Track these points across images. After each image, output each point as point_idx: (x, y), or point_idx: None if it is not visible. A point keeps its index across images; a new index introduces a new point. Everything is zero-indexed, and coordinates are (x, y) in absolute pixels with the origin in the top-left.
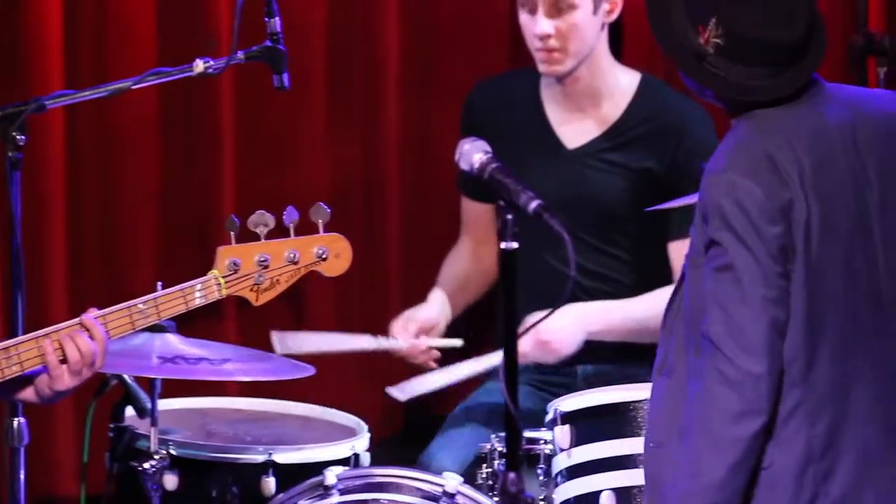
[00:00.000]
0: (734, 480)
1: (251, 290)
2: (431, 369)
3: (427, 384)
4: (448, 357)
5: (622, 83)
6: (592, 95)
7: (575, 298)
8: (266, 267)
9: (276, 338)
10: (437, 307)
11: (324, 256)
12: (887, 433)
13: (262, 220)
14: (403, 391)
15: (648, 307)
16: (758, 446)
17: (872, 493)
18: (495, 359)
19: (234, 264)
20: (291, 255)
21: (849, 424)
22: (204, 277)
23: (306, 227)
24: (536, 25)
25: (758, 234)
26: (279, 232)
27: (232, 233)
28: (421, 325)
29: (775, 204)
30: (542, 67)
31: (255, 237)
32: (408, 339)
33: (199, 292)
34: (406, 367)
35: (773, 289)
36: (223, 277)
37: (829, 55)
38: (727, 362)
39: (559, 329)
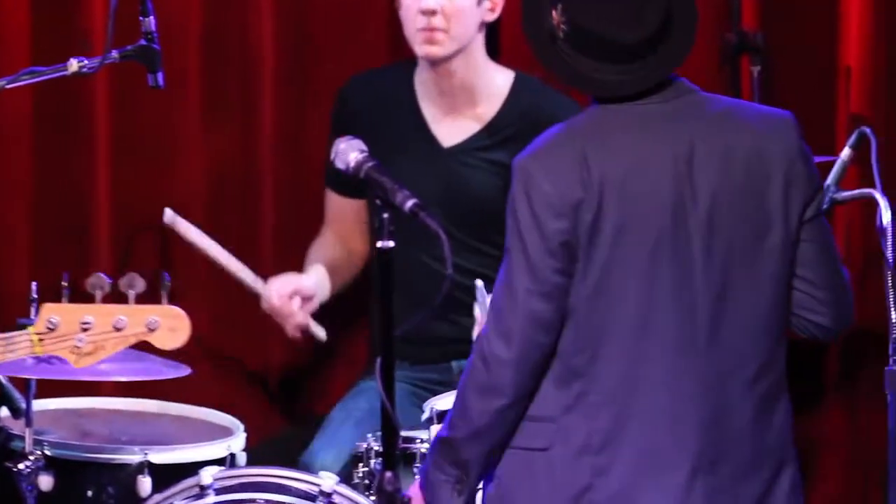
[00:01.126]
0: (474, 446)
1: (71, 351)
2: (294, 339)
3: (197, 238)
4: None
5: (497, 81)
6: (468, 93)
7: (453, 297)
8: (87, 330)
9: (170, 213)
10: (314, 278)
11: (154, 328)
12: (675, 443)
13: (98, 282)
14: (175, 220)
15: None
16: (502, 423)
17: (649, 495)
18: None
19: (51, 323)
20: (118, 322)
21: (634, 425)
22: (17, 333)
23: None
24: (422, 1)
25: (538, 226)
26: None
27: (98, 292)
28: (297, 287)
29: (563, 200)
30: (422, 49)
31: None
32: (282, 297)
33: (11, 347)
34: (283, 370)
35: (542, 283)
36: (38, 335)
37: (703, 53)
38: (486, 341)
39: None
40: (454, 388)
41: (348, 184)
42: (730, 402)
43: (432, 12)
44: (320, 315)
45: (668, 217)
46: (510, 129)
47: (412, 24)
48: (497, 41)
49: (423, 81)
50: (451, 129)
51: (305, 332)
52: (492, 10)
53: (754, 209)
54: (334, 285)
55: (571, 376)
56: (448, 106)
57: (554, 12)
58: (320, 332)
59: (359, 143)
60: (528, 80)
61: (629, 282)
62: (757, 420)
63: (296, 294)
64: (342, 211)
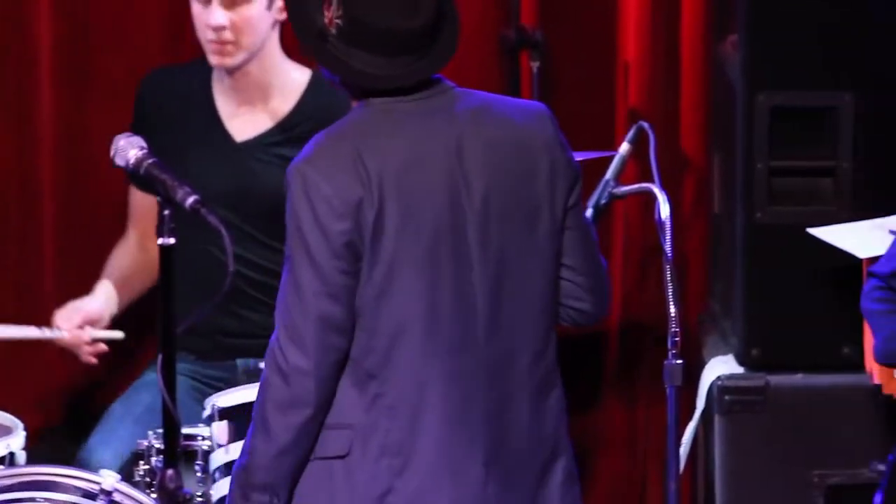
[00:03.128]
0: (282, 464)
1: None
2: (92, 362)
3: None
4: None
5: (293, 78)
6: (262, 89)
7: (241, 292)
8: None
9: None
10: (102, 299)
11: None
12: (468, 438)
13: None
14: None
15: None
16: (306, 436)
17: (446, 493)
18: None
19: None
20: None
21: (428, 423)
22: None
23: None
24: (210, 17)
25: (321, 229)
26: None
27: None
28: (85, 316)
29: (344, 201)
30: (213, 60)
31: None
32: (71, 329)
33: None
34: (64, 360)
35: (329, 285)
36: None
37: (482, 49)
38: (280, 353)
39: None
40: (237, 386)
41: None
42: (510, 393)
43: (221, 28)
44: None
45: (446, 212)
46: (303, 126)
47: (202, 35)
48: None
49: (219, 78)
50: (244, 125)
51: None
52: (283, 9)
53: (524, 199)
54: (131, 293)
55: (366, 379)
56: (243, 102)
57: (326, 9)
58: (117, 335)
59: (139, 141)
60: (324, 79)
61: (412, 278)
62: (532, 410)
63: (85, 323)
64: (144, 207)
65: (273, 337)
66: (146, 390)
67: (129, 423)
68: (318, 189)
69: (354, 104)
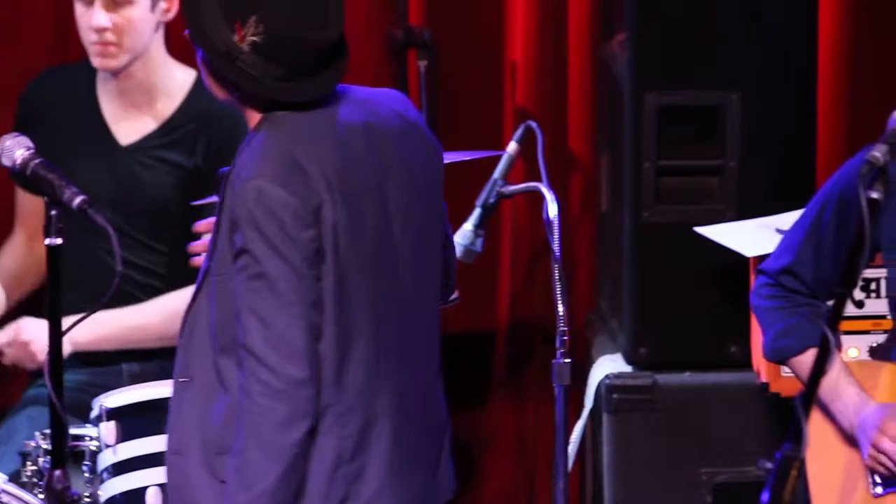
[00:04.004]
0: (287, 485)
1: None
2: None
3: None
4: None
5: (177, 80)
6: (147, 92)
7: (127, 294)
8: None
9: None
10: None
11: None
12: (413, 434)
13: None
14: None
15: (150, 313)
16: (306, 449)
17: (400, 493)
18: None
19: None
20: None
21: (379, 427)
22: None
23: None
24: (93, 18)
25: (292, 241)
26: None
27: None
28: None
29: (307, 209)
30: (95, 61)
31: None
32: None
33: None
34: None
35: (310, 293)
36: None
37: (370, 49)
38: (271, 373)
39: (42, 334)
40: (121, 387)
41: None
42: (429, 377)
43: (103, 29)
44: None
45: (380, 212)
46: (186, 128)
47: (85, 36)
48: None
49: (104, 80)
50: (129, 128)
51: None
52: (167, 10)
53: (423, 188)
54: (20, 294)
55: (321, 388)
56: (127, 104)
57: (238, 26)
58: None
59: (25, 141)
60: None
61: (361, 283)
62: (431, 391)
63: None
64: (31, 208)
65: (248, 362)
66: (32, 392)
67: (17, 423)
68: (280, 200)
69: (253, 119)
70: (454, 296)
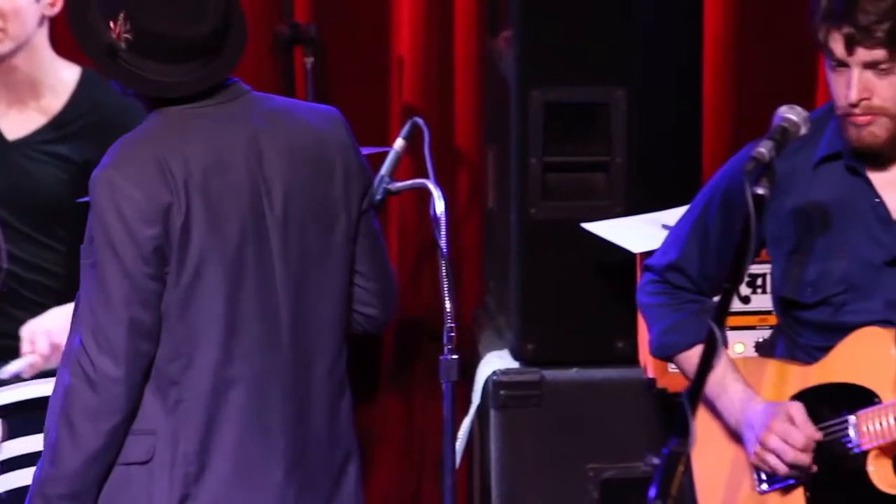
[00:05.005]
0: (90, 472)
1: None
2: None
3: None
4: None
5: (64, 76)
6: (32, 87)
7: (14, 292)
8: None
9: None
10: None
11: None
12: (266, 443)
13: None
14: None
15: None
16: (115, 441)
17: (242, 499)
18: None
19: None
20: None
21: (226, 430)
22: None
23: None
24: None
25: (130, 236)
26: None
27: None
28: None
29: (153, 206)
30: None
31: None
32: None
33: None
34: None
35: (140, 291)
36: None
37: (255, 45)
38: (89, 362)
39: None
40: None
41: None
42: (311, 397)
43: None
44: None
45: (249, 216)
46: (75, 125)
47: None
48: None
49: None
50: (16, 123)
51: None
52: (52, 4)
53: (322, 204)
54: None
55: (168, 384)
56: (13, 99)
57: (113, 24)
58: None
59: None
60: (94, 76)
61: (217, 284)
62: (331, 414)
63: None
64: None
65: (77, 343)
66: None
67: None
68: (127, 195)
69: (149, 114)
70: (383, 317)
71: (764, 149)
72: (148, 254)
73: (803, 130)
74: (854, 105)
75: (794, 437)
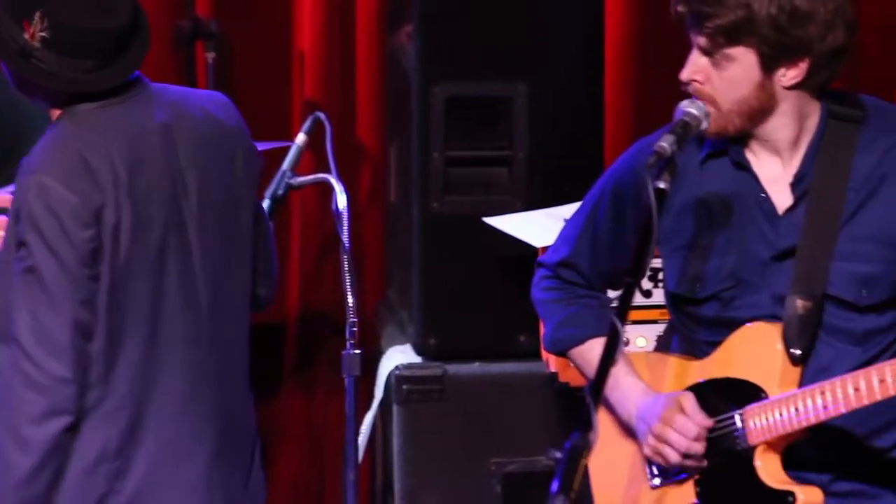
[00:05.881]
0: (41, 477)
1: None
2: None
3: None
4: None
5: None
6: None
7: None
8: None
9: None
10: None
11: None
12: (193, 434)
13: None
14: None
15: None
16: (64, 444)
17: (172, 486)
18: None
19: None
20: None
21: (151, 424)
22: None
23: None
24: None
25: (68, 239)
26: None
27: None
28: None
29: (88, 208)
30: None
31: None
32: None
33: None
34: None
35: (81, 292)
36: None
37: (156, 40)
38: (33, 366)
39: None
40: None
41: None
42: (231, 386)
43: None
44: None
45: (170, 211)
46: None
47: None
48: None
49: None
50: None
51: None
52: None
53: (228, 191)
54: None
55: (89, 386)
56: None
57: (27, 24)
58: None
59: None
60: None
61: (142, 280)
62: (244, 401)
63: None
64: None
65: (15, 351)
66: None
67: None
68: (61, 198)
69: (56, 115)
70: (269, 296)
71: (665, 143)
72: (86, 255)
73: (704, 125)
74: (686, 84)
75: (687, 426)
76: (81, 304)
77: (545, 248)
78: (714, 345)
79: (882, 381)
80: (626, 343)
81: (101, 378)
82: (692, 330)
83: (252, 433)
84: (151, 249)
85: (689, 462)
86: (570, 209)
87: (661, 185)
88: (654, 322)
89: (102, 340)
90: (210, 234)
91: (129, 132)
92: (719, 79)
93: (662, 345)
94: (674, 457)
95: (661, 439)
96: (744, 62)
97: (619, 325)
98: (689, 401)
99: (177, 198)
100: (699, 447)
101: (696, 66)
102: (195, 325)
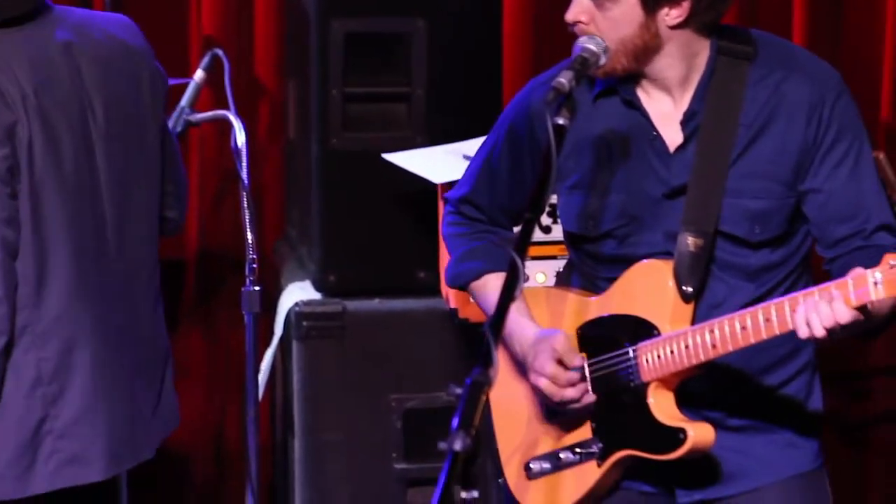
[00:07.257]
0: None
1: None
2: None
3: None
4: None
5: None
6: None
7: None
8: None
9: None
10: None
11: None
12: (118, 354)
13: None
14: None
15: None
16: (2, 365)
17: (104, 414)
18: None
19: None
20: None
21: (81, 347)
22: None
23: None
24: None
25: None
26: None
27: None
28: None
29: (0, 127)
30: None
31: None
32: None
33: None
34: None
35: (3, 210)
36: None
37: None
38: None
39: None
40: None
41: None
42: (139, 305)
43: None
44: None
45: (78, 131)
46: None
47: None
48: None
49: None
50: None
51: None
52: None
53: (135, 114)
54: None
55: (19, 308)
56: None
57: None
58: None
59: None
60: None
61: (58, 201)
62: (153, 320)
63: None
64: None
65: None
66: None
67: None
68: None
69: None
70: (180, 219)
71: (564, 79)
72: (3, 173)
73: (602, 60)
74: (571, 25)
75: (557, 374)
76: (5, 223)
77: (445, 185)
78: (610, 281)
79: (768, 320)
80: (526, 279)
81: (31, 300)
82: (591, 266)
83: (162, 355)
84: (64, 170)
85: (573, 404)
86: (469, 145)
87: (560, 121)
88: (554, 258)
89: (29, 261)
90: (116, 155)
91: (34, 54)
92: (603, 19)
93: (562, 280)
94: (554, 401)
95: (539, 386)
96: (625, 3)
97: (518, 260)
98: (561, 344)
99: (84, 118)
100: (573, 392)
101: (580, 7)
102: (105, 248)
